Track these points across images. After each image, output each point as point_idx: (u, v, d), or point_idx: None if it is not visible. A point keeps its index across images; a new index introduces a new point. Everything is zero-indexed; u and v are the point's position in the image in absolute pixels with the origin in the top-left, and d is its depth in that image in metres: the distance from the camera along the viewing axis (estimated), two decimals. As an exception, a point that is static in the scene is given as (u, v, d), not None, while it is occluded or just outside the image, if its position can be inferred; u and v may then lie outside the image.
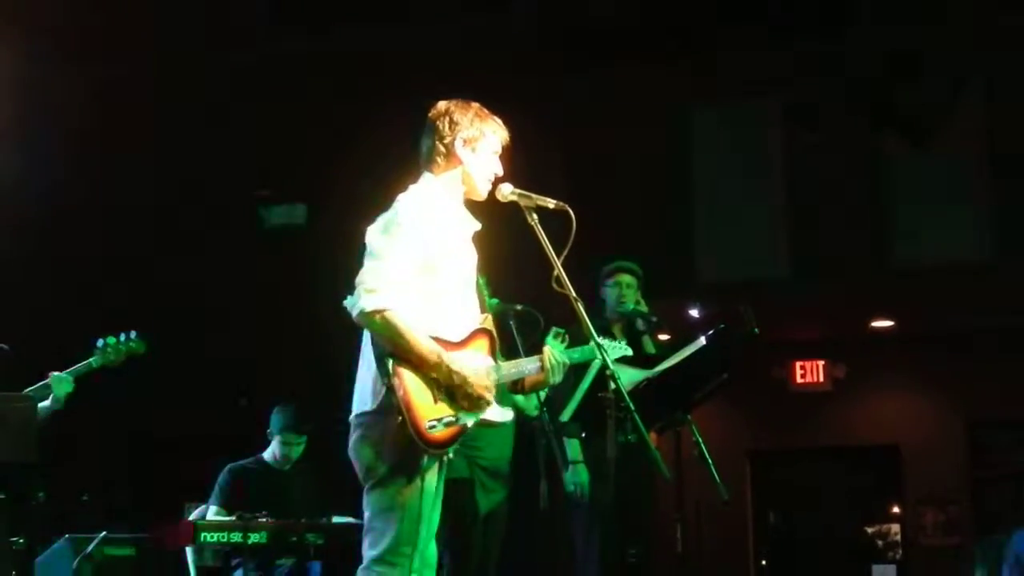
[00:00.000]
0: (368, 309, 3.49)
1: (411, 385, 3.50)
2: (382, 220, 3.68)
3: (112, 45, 8.54)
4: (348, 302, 3.58)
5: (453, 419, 3.54)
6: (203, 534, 5.40)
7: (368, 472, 3.56)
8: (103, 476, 7.59)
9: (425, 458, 3.53)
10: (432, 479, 3.57)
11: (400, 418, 3.45)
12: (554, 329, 4.13)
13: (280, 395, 6.39)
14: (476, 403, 3.59)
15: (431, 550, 3.66)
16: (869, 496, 11.39)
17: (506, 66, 8.42)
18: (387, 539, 3.51)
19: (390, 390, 3.48)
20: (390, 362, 3.50)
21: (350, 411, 3.68)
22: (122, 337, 5.50)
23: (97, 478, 7.36)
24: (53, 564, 6.11)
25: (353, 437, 3.60)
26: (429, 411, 3.50)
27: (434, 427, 3.49)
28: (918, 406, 10.94)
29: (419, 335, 3.52)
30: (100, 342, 5.47)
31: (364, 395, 3.62)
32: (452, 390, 3.56)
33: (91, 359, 5.43)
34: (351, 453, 3.61)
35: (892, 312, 10.08)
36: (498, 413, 3.69)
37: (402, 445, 3.49)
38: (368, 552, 3.55)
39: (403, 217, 3.64)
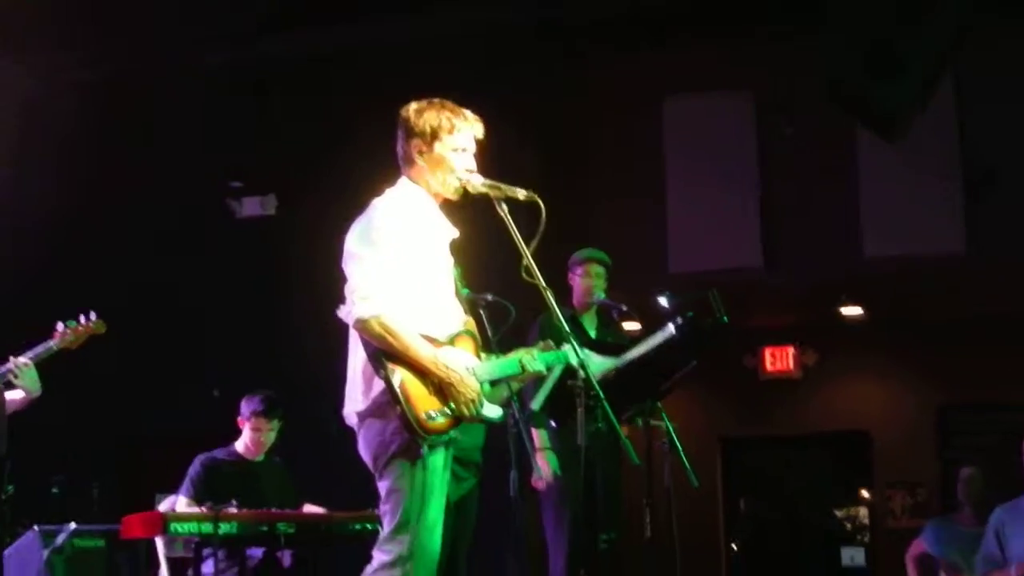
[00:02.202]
0: (365, 316, 3.62)
1: (407, 377, 3.63)
2: (360, 226, 3.78)
3: (86, 45, 8.48)
4: (342, 311, 3.72)
5: (449, 411, 3.67)
6: (173, 525, 5.39)
7: (376, 462, 3.72)
8: (73, 468, 7.54)
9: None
10: (438, 457, 3.70)
11: (399, 408, 3.57)
12: (541, 343, 4.19)
13: (252, 385, 6.37)
14: (467, 405, 3.69)
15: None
16: (838, 481, 11.48)
17: (478, 58, 8.40)
18: (396, 517, 3.65)
19: (387, 383, 3.59)
20: (384, 357, 3.61)
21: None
22: (81, 319, 5.47)
23: (67, 470, 7.31)
24: (22, 557, 6.07)
25: (359, 437, 3.76)
26: (426, 402, 3.64)
27: (433, 417, 3.63)
28: (888, 392, 11.02)
29: (414, 337, 3.65)
30: (60, 325, 5.44)
31: (355, 395, 3.77)
32: (445, 389, 3.68)
33: (51, 342, 5.40)
34: (360, 450, 3.77)
35: (862, 299, 10.15)
36: (488, 409, 3.82)
37: (403, 432, 3.62)
38: (382, 533, 3.70)
39: (380, 221, 3.74)
